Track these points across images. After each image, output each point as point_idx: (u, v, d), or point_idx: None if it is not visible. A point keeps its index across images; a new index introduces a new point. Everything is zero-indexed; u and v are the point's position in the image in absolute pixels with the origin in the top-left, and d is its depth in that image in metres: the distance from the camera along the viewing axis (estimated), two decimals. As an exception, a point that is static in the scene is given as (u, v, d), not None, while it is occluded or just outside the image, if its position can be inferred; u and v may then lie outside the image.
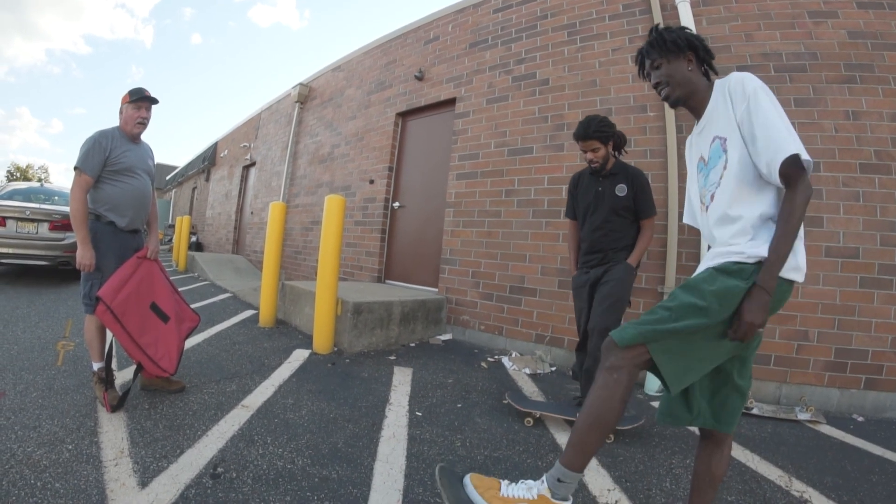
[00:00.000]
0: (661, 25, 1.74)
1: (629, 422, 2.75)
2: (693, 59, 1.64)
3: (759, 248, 1.39)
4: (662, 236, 4.03)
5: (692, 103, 1.64)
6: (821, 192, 3.58)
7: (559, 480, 1.45)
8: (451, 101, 5.93)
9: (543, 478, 1.49)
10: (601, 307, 2.88)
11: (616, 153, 3.09)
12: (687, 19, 4.10)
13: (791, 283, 1.42)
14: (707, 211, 1.58)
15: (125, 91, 2.86)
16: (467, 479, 1.57)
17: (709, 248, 1.61)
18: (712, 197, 1.55)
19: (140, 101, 2.81)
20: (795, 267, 1.40)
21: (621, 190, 2.99)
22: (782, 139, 1.37)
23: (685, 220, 1.86)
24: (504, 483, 1.54)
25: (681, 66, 1.64)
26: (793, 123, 1.41)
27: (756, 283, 1.36)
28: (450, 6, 6.30)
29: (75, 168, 2.65)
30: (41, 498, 1.75)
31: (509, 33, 5.40)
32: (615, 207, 2.99)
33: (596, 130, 2.89)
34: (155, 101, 2.89)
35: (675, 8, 4.22)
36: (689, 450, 2.62)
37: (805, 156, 1.35)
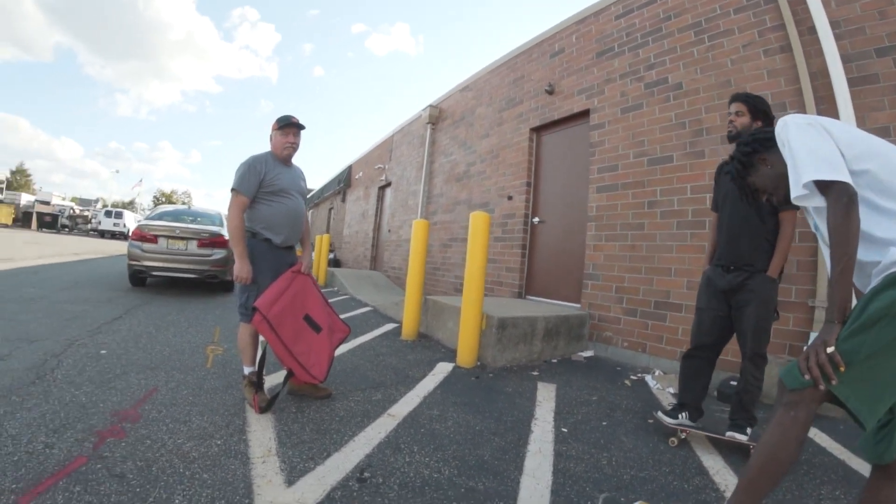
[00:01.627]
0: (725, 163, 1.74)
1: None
2: (766, 155, 1.64)
3: None
4: (811, 244, 3.63)
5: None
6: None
7: None
8: (584, 113, 5.87)
9: None
10: (748, 329, 2.67)
11: None
12: (815, 3, 3.72)
13: None
14: None
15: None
16: None
17: None
18: None
19: (286, 127, 2.97)
20: None
21: None
22: (801, 167, 1.39)
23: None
24: None
25: (764, 172, 1.66)
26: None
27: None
28: (570, 17, 6.28)
29: (232, 190, 2.86)
30: (188, 486, 1.86)
31: (635, 39, 5.25)
32: None
33: (749, 96, 2.72)
34: (301, 126, 3.02)
35: (799, -8, 3.83)
36: (838, 480, 2.42)
37: (824, 177, 1.33)
